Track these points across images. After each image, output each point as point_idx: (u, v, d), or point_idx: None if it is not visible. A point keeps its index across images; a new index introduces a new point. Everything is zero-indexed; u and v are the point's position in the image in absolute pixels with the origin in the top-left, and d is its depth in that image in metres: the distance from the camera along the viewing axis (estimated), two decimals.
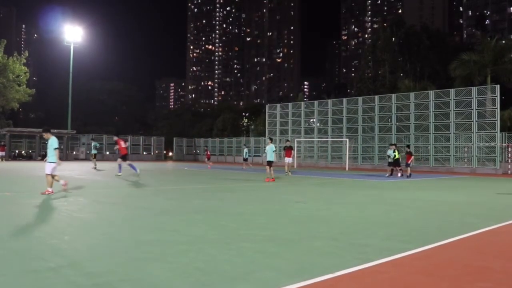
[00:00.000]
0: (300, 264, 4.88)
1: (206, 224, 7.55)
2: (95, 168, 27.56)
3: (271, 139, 20.89)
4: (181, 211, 9.23)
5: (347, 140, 37.53)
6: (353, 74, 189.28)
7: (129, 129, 79.56)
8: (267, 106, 49.92)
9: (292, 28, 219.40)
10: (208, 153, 41.79)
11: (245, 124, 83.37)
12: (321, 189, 15.83)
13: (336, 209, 10.19)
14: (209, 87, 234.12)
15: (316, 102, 44.04)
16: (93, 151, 30.14)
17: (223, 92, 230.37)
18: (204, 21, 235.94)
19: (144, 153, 59.05)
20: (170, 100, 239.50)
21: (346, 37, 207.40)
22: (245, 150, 35.88)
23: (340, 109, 40.63)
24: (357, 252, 5.50)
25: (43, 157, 48.99)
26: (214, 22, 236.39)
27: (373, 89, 58.35)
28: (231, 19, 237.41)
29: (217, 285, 4.09)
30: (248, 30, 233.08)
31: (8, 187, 14.64)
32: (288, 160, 25.05)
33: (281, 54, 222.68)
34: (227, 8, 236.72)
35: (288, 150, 25.38)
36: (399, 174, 24.74)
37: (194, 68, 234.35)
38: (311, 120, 43.98)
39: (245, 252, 5.43)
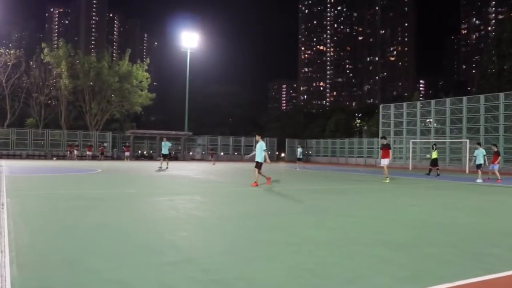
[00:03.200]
0: (415, 271, 4.70)
1: (317, 226, 7.54)
2: (161, 168, 27.16)
3: (259, 135, 16.85)
4: (292, 212, 9.31)
5: (468, 141, 35.30)
6: (474, 71, 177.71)
7: (242, 131, 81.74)
8: (380, 106, 48.63)
9: (406, 24, 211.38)
10: (212, 153, 45.87)
11: (357, 125, 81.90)
12: (437, 192, 15.05)
13: (454, 214, 9.65)
14: (321, 88, 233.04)
15: (433, 102, 42.02)
16: (165, 152, 28.77)
17: (335, 93, 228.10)
18: (315, 22, 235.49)
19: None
20: (282, 102, 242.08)
21: (466, 31, 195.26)
22: (299, 150, 35.62)
23: (460, 108, 38.37)
24: (479, 262, 5.15)
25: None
26: (325, 22, 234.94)
27: (497, 86, 54.26)
28: (342, 19, 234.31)
29: None
30: (360, 29, 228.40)
31: (132, 185, 15.76)
32: (385, 161, 20.05)
33: (395, 52, 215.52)
34: (338, 8, 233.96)
35: (384, 149, 20.21)
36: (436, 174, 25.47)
37: (306, 69, 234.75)
38: (428, 120, 42.10)
39: (356, 255, 5.34)
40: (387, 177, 19.56)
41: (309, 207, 10.28)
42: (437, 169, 26.46)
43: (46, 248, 5.40)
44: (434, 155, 26.51)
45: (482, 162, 21.26)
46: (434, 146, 27.50)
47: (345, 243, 6.05)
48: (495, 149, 22.60)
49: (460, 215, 9.54)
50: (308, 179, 21.08)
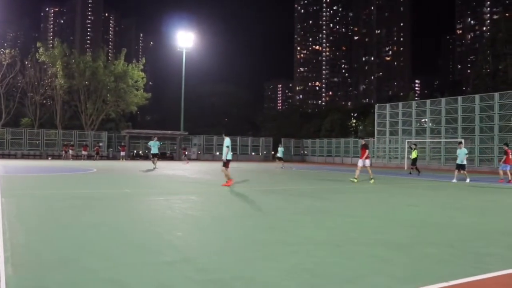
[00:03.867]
0: (414, 270, 4.68)
1: (315, 225, 7.52)
2: (155, 168, 26.89)
3: (226, 132, 16.07)
4: (290, 212, 9.30)
5: (463, 140, 35.38)
6: (469, 71, 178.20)
7: (238, 130, 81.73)
8: (376, 106, 48.75)
9: (401, 24, 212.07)
10: (185, 151, 46.96)
11: (353, 124, 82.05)
12: (434, 193, 15.07)
13: (452, 213, 9.65)
14: (317, 88, 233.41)
15: (428, 101, 42.14)
16: (154, 151, 28.53)
17: (330, 93, 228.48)
18: (311, 22, 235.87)
19: (253, 153, 60.40)
20: (278, 101, 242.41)
21: (461, 31, 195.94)
22: (281, 149, 36.15)
23: (455, 108, 38.49)
24: (476, 261, 5.14)
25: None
26: (321, 22, 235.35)
27: (493, 86, 54.48)
28: (338, 18, 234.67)
29: None
30: (356, 29, 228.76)
31: (128, 184, 15.71)
32: (362, 162, 19.16)
33: (391, 52, 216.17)
34: (334, 7, 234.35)
35: (363, 150, 19.37)
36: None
37: (302, 69, 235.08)
38: (423, 120, 42.21)
39: (355, 255, 5.32)
40: (372, 179, 18.89)
41: (307, 206, 10.26)
42: (415, 168, 27.35)
43: (41, 248, 5.36)
44: (414, 154, 27.39)
45: (462, 162, 20.42)
46: (414, 146, 28.49)
47: (344, 243, 6.03)
48: (505, 148, 20.79)
49: (458, 215, 9.55)
50: (304, 179, 21.08)
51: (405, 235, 6.81)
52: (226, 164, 15.25)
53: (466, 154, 20.71)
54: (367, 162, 19.28)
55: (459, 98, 39.15)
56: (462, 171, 20.54)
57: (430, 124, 41.06)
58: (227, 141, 15.25)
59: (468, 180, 20.09)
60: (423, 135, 41.01)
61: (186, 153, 47.64)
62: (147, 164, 32.06)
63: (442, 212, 9.83)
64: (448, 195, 14.24)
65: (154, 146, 28.41)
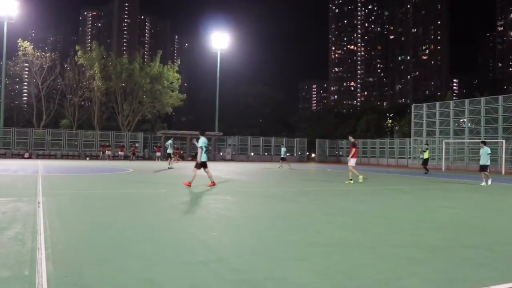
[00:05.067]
0: (449, 274, 4.60)
1: (349, 227, 7.47)
2: (170, 167, 26.86)
3: (203, 130, 15.27)
4: (324, 213, 9.25)
5: (504, 141, 34.43)
6: (510, 69, 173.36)
7: (272, 131, 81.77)
8: (412, 106, 47.90)
9: (439, 22, 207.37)
10: (176, 151, 44.52)
11: (389, 125, 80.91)
12: (472, 194, 14.71)
13: (491, 216, 9.41)
14: (352, 88, 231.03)
15: (467, 101, 41.11)
16: (169, 150, 28.95)
17: (366, 93, 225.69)
18: (345, 21, 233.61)
19: (287, 154, 60.23)
20: (313, 102, 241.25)
21: (502, 28, 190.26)
22: (283, 149, 35.00)
23: (495, 108, 37.42)
24: None
25: (193, 157, 52.78)
26: (355, 22, 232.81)
27: None
28: (373, 18, 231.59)
29: None
30: (392, 28, 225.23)
31: (163, 185, 15.92)
32: (352, 161, 18.61)
33: (427, 51, 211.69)
34: (369, 7, 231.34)
35: (352, 148, 18.81)
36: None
37: (336, 69, 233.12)
38: (461, 120, 41.25)
39: (390, 257, 5.27)
40: (351, 179, 18.14)
41: (341, 208, 10.20)
42: (425, 167, 28.90)
43: (80, 246, 5.50)
44: (426, 155, 28.71)
45: (486, 162, 18.78)
46: (426, 146, 30.26)
47: (378, 245, 5.96)
48: None
49: (497, 217, 9.31)
50: (338, 180, 20.90)
51: (441, 237, 6.68)
52: (198, 165, 14.28)
53: (489, 154, 19.03)
54: (352, 161, 18.52)
55: (500, 97, 38.03)
56: (484, 172, 18.90)
57: (469, 124, 40.09)
58: (201, 141, 14.23)
59: (490, 182, 18.71)
60: (462, 136, 40.07)
61: (178, 152, 47.89)
62: (182, 165, 32.43)
63: (480, 214, 9.61)
64: (486, 196, 13.88)
65: (169, 146, 28.99)
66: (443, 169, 36.72)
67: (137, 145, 51.89)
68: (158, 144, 51.51)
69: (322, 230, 7.14)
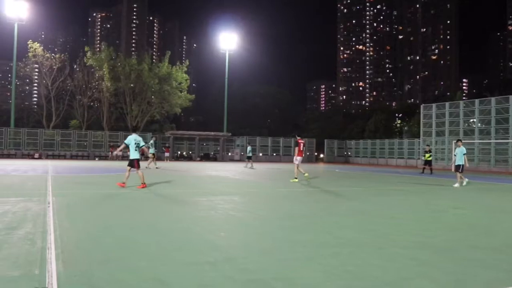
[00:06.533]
0: (458, 275, 4.58)
1: (357, 227, 7.45)
2: (148, 168, 26.52)
3: (134, 127, 14.32)
4: (332, 213, 9.25)
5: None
6: None
7: (281, 131, 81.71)
8: (421, 106, 47.69)
9: (448, 22, 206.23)
10: (167, 148, 46.84)
11: (398, 125, 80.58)
12: (482, 195, 14.62)
13: (501, 217, 9.33)
14: (360, 88, 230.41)
15: (477, 101, 40.85)
16: (151, 151, 28.03)
17: (374, 93, 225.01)
18: (354, 21, 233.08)
19: (253, 154, 60.29)
20: (321, 102, 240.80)
21: None
22: (249, 148, 34.80)
23: (506, 108, 37.13)
24: None
25: (201, 158, 52.99)
26: (364, 22, 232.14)
27: None
28: (382, 17, 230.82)
29: None
30: (400, 28, 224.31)
31: (172, 185, 15.95)
32: (297, 159, 18.56)
33: (437, 50, 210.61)
34: (378, 6, 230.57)
35: (298, 145, 18.74)
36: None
37: (345, 69, 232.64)
38: (471, 120, 40.99)
39: (398, 258, 5.25)
40: (296, 178, 18.35)
41: (349, 208, 10.17)
42: (424, 168, 30.13)
43: (89, 246, 5.54)
44: (427, 157, 29.37)
45: (462, 162, 17.88)
46: (428, 148, 30.75)
47: (387, 246, 5.95)
48: None
49: (506, 218, 9.24)
50: (346, 180, 20.87)
51: (450, 238, 6.65)
52: (131, 163, 13.79)
53: (465, 154, 18.11)
54: (298, 159, 18.49)
55: (511, 97, 37.75)
56: (459, 173, 18.05)
57: (479, 124, 39.84)
58: (128, 138, 13.76)
59: (465, 183, 18.12)
60: (472, 136, 39.81)
61: (169, 150, 48.65)
62: (191, 165, 32.50)
63: (489, 216, 9.54)
64: (496, 197, 13.80)
65: (152, 146, 28.32)
66: (452, 169, 36.43)
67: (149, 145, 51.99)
68: (167, 145, 51.71)
69: (329, 230, 7.13)
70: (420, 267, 4.84)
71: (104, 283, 4.04)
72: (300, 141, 18.92)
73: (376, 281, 4.31)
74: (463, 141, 20.01)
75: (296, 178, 18.33)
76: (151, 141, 29.34)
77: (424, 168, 30.00)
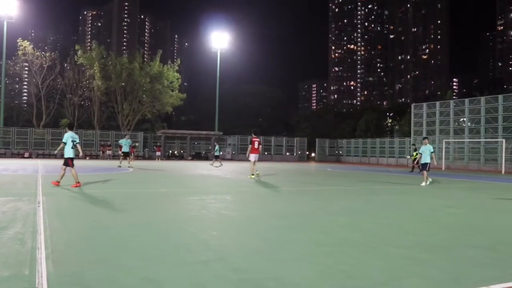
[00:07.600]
0: (452, 273, 4.57)
1: (350, 226, 7.44)
2: (119, 167, 26.26)
3: (69, 125, 15.06)
4: (326, 212, 9.23)
5: (504, 140, 34.42)
6: (510, 68, 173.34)
7: (272, 130, 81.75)
8: (412, 106, 47.98)
9: (439, 22, 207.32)
10: (159, 147, 47.02)
11: (389, 124, 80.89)
12: (474, 194, 14.71)
13: (493, 216, 9.37)
14: (352, 87, 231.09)
15: (466, 100, 41.13)
16: (125, 149, 27.64)
17: (366, 92, 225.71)
18: (345, 21, 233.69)
19: (287, 153, 60.29)
20: (313, 102, 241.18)
21: (502, 27, 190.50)
22: (216, 147, 34.93)
23: (495, 107, 37.44)
24: None
25: (193, 157, 52.88)
26: (355, 21, 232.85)
27: None
28: (373, 17, 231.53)
29: None
30: (392, 27, 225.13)
31: (163, 184, 15.92)
32: (252, 157, 19.31)
33: (427, 50, 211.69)
34: (369, 6, 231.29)
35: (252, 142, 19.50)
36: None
37: (336, 69, 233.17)
38: (461, 119, 41.27)
39: (392, 257, 5.24)
40: (252, 174, 18.83)
41: (342, 207, 10.18)
42: (413, 167, 30.40)
43: (80, 246, 5.48)
44: (415, 155, 28.58)
45: (428, 161, 17.57)
46: (414, 147, 32.06)
47: (380, 245, 5.93)
48: None
49: (498, 216, 9.28)
50: (340, 180, 20.91)
51: (443, 237, 6.66)
52: (66, 162, 13.60)
53: (432, 152, 17.74)
54: (253, 156, 19.17)
55: (500, 96, 38.07)
56: (425, 172, 17.68)
57: (469, 123, 40.10)
58: (66, 136, 13.57)
59: (429, 182, 17.56)
60: (462, 135, 40.09)
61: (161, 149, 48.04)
62: (183, 164, 32.40)
63: (482, 214, 9.58)
64: (488, 196, 13.86)
65: (125, 144, 27.76)
66: (443, 168, 36.70)
67: (136, 144, 51.87)
68: (158, 144, 51.57)
69: (323, 229, 7.11)
70: (414, 266, 4.83)
71: (95, 283, 3.98)
72: (254, 139, 19.54)
73: (370, 280, 4.28)
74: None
75: (253, 175, 18.83)
76: (124, 140, 28.35)
77: (413, 167, 30.31)
